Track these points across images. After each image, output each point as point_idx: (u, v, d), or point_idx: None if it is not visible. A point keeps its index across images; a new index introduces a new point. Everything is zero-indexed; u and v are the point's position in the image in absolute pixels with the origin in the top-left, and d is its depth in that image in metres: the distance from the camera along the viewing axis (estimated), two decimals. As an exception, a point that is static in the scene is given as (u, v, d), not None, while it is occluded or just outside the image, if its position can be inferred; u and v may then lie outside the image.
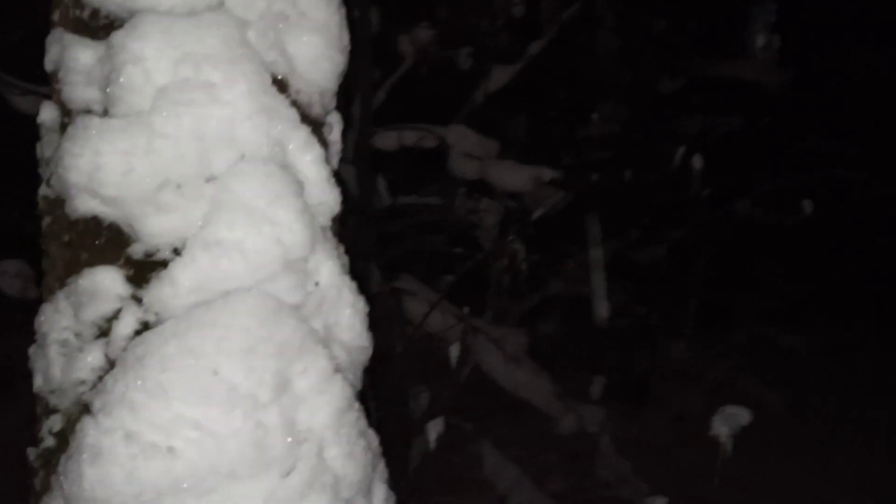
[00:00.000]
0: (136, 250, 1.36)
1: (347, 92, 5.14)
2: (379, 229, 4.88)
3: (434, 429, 3.33)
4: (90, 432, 1.24)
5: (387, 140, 4.52)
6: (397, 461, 4.46)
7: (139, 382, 1.23)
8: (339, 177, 1.60)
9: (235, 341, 1.26)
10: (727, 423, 3.53)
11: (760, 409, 4.29)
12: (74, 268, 1.40)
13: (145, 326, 1.34)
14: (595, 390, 5.10)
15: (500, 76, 5.03)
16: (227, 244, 1.33)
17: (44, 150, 1.47)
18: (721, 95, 5.49)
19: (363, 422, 1.44)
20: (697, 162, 4.57)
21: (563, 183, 4.32)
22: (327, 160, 1.53)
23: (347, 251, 1.59)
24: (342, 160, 5.01)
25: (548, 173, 4.08)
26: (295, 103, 1.49)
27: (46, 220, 1.45)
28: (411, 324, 4.79)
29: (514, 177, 4.18)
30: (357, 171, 4.70)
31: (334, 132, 1.63)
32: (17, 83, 3.84)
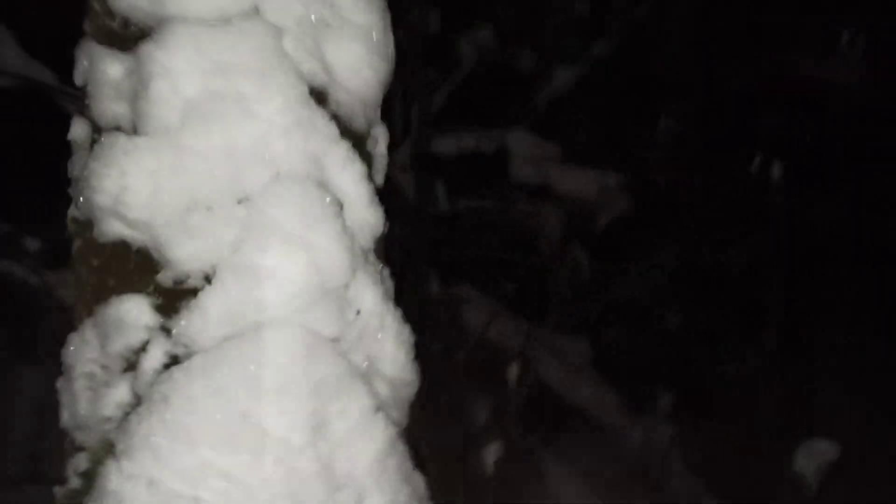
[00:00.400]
0: (166, 277, 1.26)
1: (405, 96, 5.05)
2: (437, 236, 4.77)
3: (492, 453, 3.20)
4: (112, 477, 1.15)
5: (445, 145, 4.41)
6: (456, 476, 4.34)
7: (163, 425, 1.13)
8: (387, 191, 1.49)
9: (266, 380, 1.15)
10: (812, 458, 3.29)
11: (847, 436, 4.02)
12: (103, 295, 1.31)
13: (174, 360, 1.24)
14: (664, 403, 4.88)
15: (563, 77, 4.86)
16: (260, 271, 1.22)
17: (74, 168, 1.38)
18: (800, 95, 5.21)
19: (408, 464, 1.31)
20: (777, 170, 4.33)
21: (629, 187, 4.14)
22: (370, 177, 1.42)
23: (398, 270, 1.48)
24: (399, 167, 4.89)
25: (612, 178, 3.90)
26: (335, 116, 1.37)
27: (77, 244, 1.37)
28: (470, 333, 4.67)
29: (577, 182, 4.02)
30: (414, 177, 4.60)
31: (380, 145, 1.51)
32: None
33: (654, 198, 4.70)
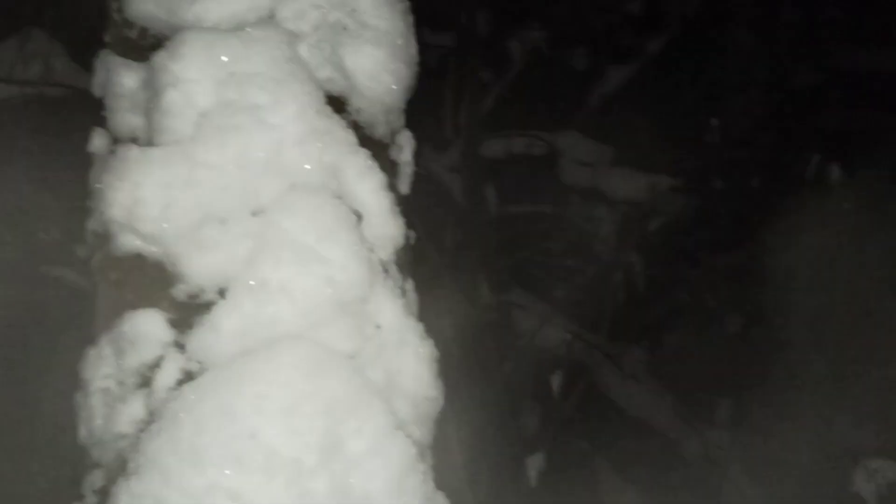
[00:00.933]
0: (180, 291, 1.24)
1: (455, 99, 5.00)
2: (487, 240, 4.71)
3: (534, 465, 3.12)
4: (122, 497, 1.13)
5: (494, 148, 4.35)
6: (508, 482, 4.27)
7: (172, 444, 1.11)
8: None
9: (275, 399, 1.12)
10: (872, 478, 3.12)
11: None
12: (120, 309, 1.29)
13: (188, 376, 1.21)
14: (723, 411, 4.73)
15: (615, 77, 4.76)
16: (273, 286, 1.18)
17: (94, 180, 1.37)
18: (866, 89, 4.98)
19: (429, 485, 1.26)
20: (835, 172, 4.15)
21: (686, 189, 4.01)
22: (392, 186, 1.37)
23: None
24: (449, 170, 4.84)
25: (666, 181, 3.79)
26: (355, 124, 1.33)
27: (96, 257, 1.35)
28: (521, 339, 4.60)
29: (628, 184, 3.92)
30: (463, 180, 4.55)
31: (404, 153, 1.46)
32: None
33: (711, 200, 4.56)
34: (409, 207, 1.49)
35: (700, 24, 5.25)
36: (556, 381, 4.32)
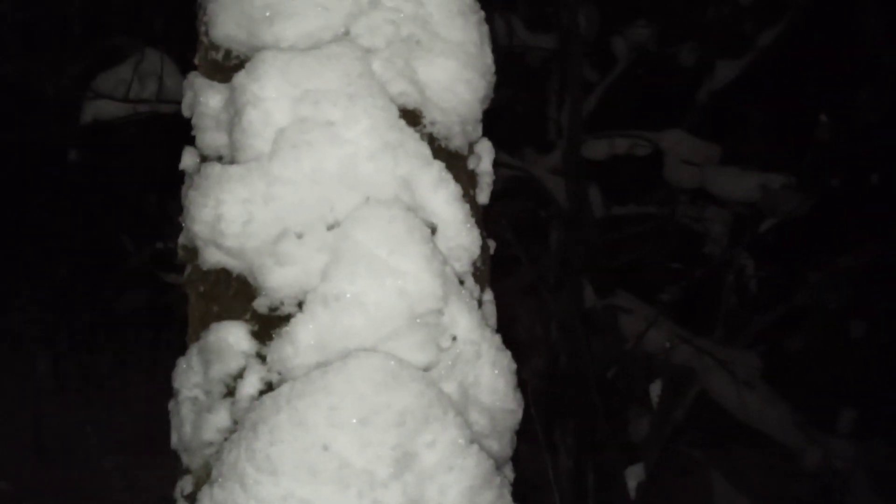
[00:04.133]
0: (261, 304, 1.27)
1: (560, 99, 4.94)
2: (592, 243, 4.62)
3: (633, 476, 3.03)
4: (206, 503, 1.17)
5: (597, 149, 4.26)
6: (616, 488, 4.18)
7: (250, 453, 1.14)
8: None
9: (348, 411, 1.13)
10: None
11: None
12: (208, 320, 1.34)
13: (269, 387, 1.25)
14: (846, 419, 4.47)
15: (725, 72, 4.57)
16: (348, 298, 1.20)
17: (183, 197, 1.43)
18: None
19: (506, 499, 1.25)
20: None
21: (798, 188, 3.80)
22: (471, 196, 1.36)
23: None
24: (553, 171, 4.77)
25: (777, 179, 3.60)
26: (430, 136, 1.33)
27: (187, 270, 1.41)
28: (627, 342, 4.49)
29: (737, 184, 3.75)
30: (567, 182, 4.48)
31: (483, 163, 1.46)
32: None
33: (828, 199, 4.31)
34: (489, 216, 1.48)
35: (818, 12, 4.99)
36: (664, 387, 4.20)
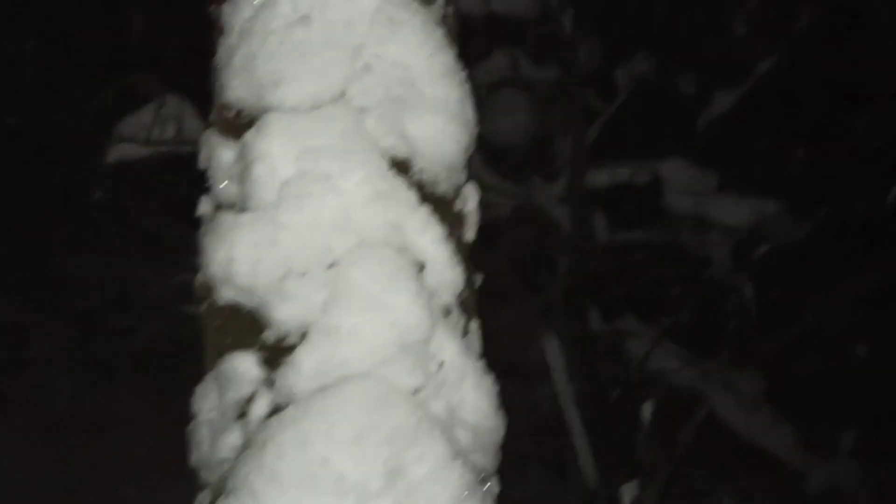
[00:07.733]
0: (269, 336, 1.44)
1: (562, 130, 5.10)
2: (597, 269, 4.76)
3: (628, 493, 3.15)
4: (221, 513, 1.33)
5: (599, 177, 4.42)
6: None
7: (259, 468, 1.30)
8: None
9: (344, 429, 1.29)
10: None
11: None
12: (222, 351, 1.50)
13: (277, 409, 1.41)
14: (847, 441, 4.55)
15: (722, 101, 4.73)
16: (345, 330, 1.36)
17: (200, 240, 1.60)
18: None
19: (488, 509, 1.39)
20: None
21: (793, 213, 3.93)
22: (453, 236, 1.52)
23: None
24: (556, 200, 4.90)
25: (771, 206, 3.74)
26: (419, 183, 1.50)
27: (204, 306, 1.58)
28: (633, 364, 4.61)
29: (733, 211, 3.89)
30: (572, 210, 4.64)
31: (469, 204, 1.62)
32: None
33: (828, 224, 4.43)
34: (474, 253, 1.64)
35: (815, 38, 5.12)
36: (669, 409, 4.31)
